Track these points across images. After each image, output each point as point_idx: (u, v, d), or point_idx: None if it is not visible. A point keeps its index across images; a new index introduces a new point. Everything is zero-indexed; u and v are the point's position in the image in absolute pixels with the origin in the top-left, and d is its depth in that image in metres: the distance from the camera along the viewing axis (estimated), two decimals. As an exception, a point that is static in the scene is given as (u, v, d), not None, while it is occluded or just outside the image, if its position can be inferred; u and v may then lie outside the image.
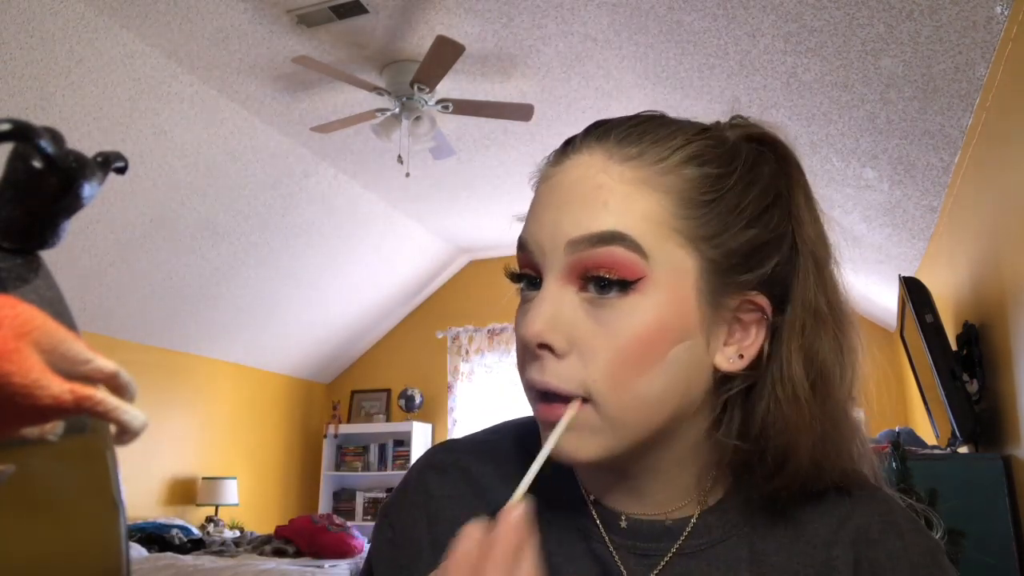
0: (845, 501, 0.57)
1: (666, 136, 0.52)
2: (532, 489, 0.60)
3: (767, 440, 0.53)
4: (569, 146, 0.54)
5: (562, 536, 0.59)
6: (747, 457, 0.55)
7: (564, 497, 0.60)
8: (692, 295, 0.50)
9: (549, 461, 0.58)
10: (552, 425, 0.50)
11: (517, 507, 0.43)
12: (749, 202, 0.52)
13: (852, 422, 0.56)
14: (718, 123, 0.59)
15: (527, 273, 0.54)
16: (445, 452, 0.64)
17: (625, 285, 0.49)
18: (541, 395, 0.51)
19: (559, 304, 0.50)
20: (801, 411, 0.52)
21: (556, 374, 0.50)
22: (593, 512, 0.59)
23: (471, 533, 0.42)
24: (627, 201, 0.50)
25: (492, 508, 0.59)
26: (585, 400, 0.50)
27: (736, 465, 0.57)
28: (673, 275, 0.50)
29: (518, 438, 0.64)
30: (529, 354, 0.51)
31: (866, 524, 0.56)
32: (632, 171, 0.51)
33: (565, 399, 0.50)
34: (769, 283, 0.53)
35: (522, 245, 0.53)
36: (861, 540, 0.55)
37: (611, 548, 0.57)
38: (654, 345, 0.49)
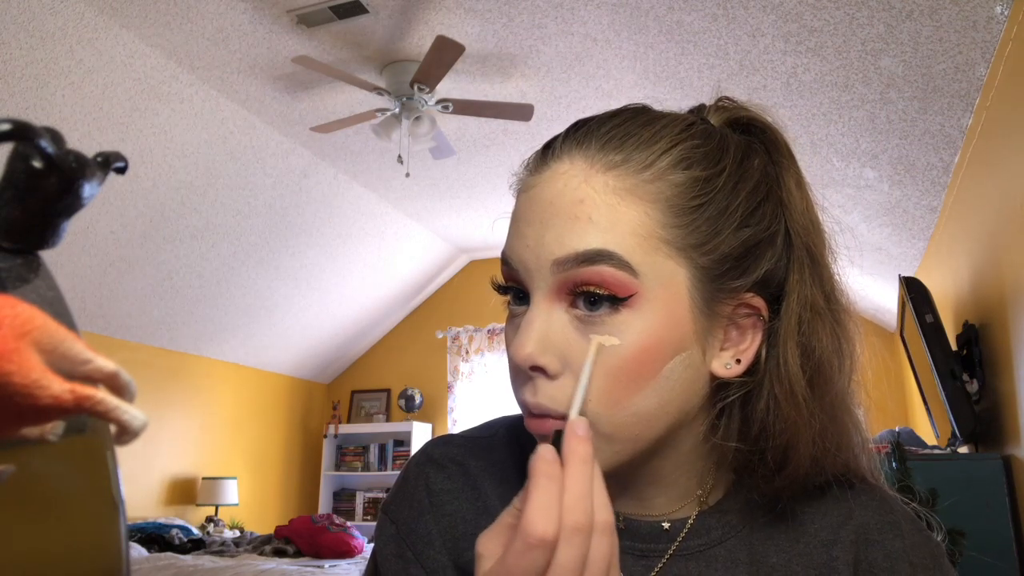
0: (846, 501, 0.57)
1: (650, 138, 0.50)
2: (520, 484, 0.60)
3: (767, 440, 0.52)
4: (549, 151, 0.52)
5: None
6: (747, 457, 0.54)
7: None
8: (685, 306, 0.49)
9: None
10: (545, 438, 0.48)
11: (581, 421, 0.43)
12: (740, 202, 0.51)
13: (852, 415, 0.55)
14: (703, 106, 0.57)
15: (512, 286, 0.52)
16: (443, 447, 0.63)
17: (616, 301, 0.47)
18: (533, 412, 0.50)
19: (548, 324, 0.49)
20: (800, 409, 0.51)
21: (549, 396, 0.49)
22: None
23: (545, 454, 0.42)
24: (612, 214, 0.48)
25: (487, 503, 0.59)
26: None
27: (737, 465, 0.56)
28: (664, 288, 0.48)
29: (511, 434, 0.64)
30: (521, 375, 0.50)
31: (866, 524, 0.56)
32: (616, 180, 0.48)
33: (557, 416, 0.49)
34: (763, 282, 0.52)
35: (505, 260, 0.52)
36: (861, 540, 0.55)
37: None
38: (648, 362, 0.48)
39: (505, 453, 0.62)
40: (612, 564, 0.41)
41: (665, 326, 0.48)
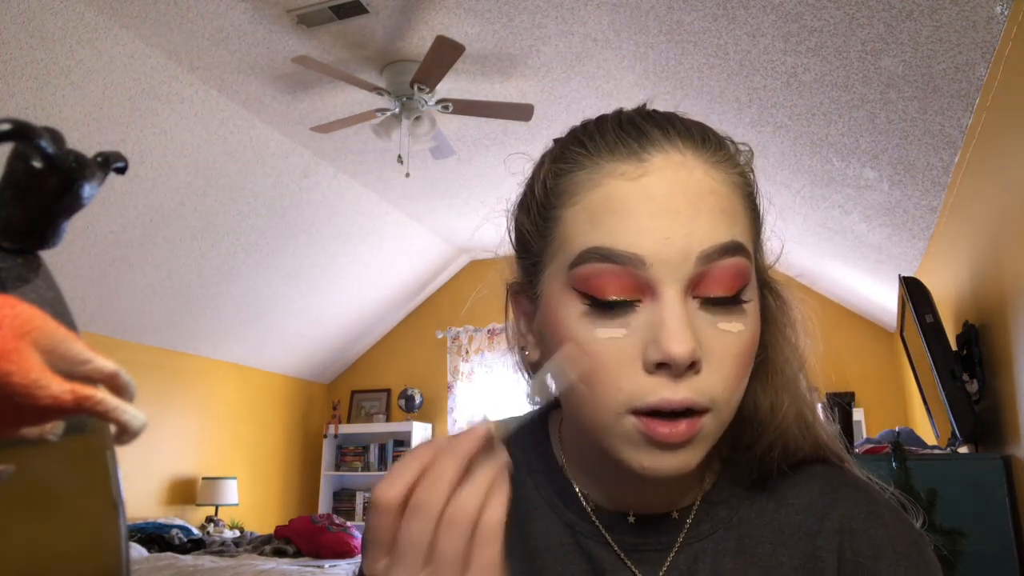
0: (829, 492, 0.58)
1: (724, 139, 0.54)
2: (528, 479, 0.61)
3: (757, 407, 0.56)
4: (645, 140, 0.50)
5: (548, 526, 0.59)
6: (733, 435, 0.56)
7: (554, 492, 0.60)
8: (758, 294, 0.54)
9: (546, 461, 0.61)
10: (673, 445, 0.48)
11: (488, 426, 0.44)
12: (758, 206, 0.56)
13: (809, 395, 0.59)
14: None
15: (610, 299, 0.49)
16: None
17: (737, 291, 0.50)
18: (658, 413, 0.48)
19: (688, 317, 0.48)
20: (788, 376, 0.57)
21: (696, 390, 0.48)
22: (593, 517, 0.59)
23: (430, 438, 0.44)
24: (734, 208, 0.50)
25: None
26: (707, 410, 0.49)
27: (724, 452, 0.59)
28: (754, 278, 0.52)
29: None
30: (666, 373, 0.47)
31: (850, 514, 0.56)
32: (725, 175, 0.51)
33: (688, 413, 0.48)
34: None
35: (615, 257, 0.48)
36: (845, 530, 0.56)
37: (616, 548, 0.58)
38: (755, 346, 0.52)
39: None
40: (471, 565, 0.40)
41: (759, 314, 0.53)
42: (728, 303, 0.49)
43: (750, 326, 0.50)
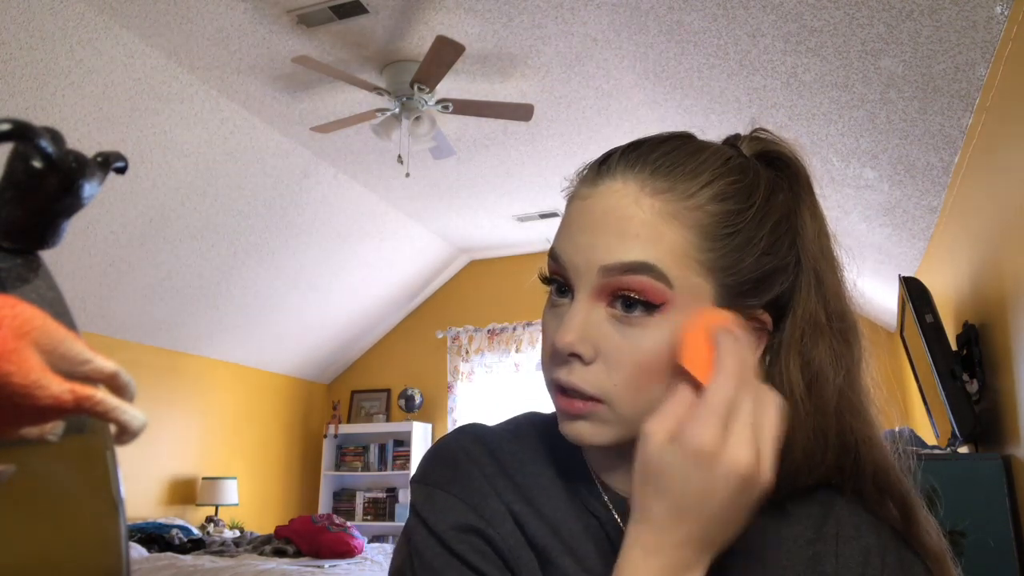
0: (828, 502, 0.61)
1: (694, 169, 0.57)
2: (548, 464, 0.64)
3: None
4: (604, 167, 0.58)
5: (570, 509, 0.62)
6: None
7: (574, 473, 0.64)
8: None
9: (570, 449, 0.64)
10: (570, 415, 0.57)
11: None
12: (763, 235, 0.57)
13: (861, 415, 0.60)
14: (737, 136, 0.63)
15: (557, 279, 0.59)
16: (472, 431, 0.66)
17: (650, 307, 0.54)
18: (563, 389, 0.57)
19: (589, 318, 0.56)
20: (796, 409, 0.57)
21: (582, 378, 0.56)
22: (603, 493, 0.62)
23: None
24: (656, 234, 0.55)
25: (520, 487, 0.62)
26: (601, 401, 0.55)
27: None
28: (692, 300, 0.55)
29: (535, 425, 0.67)
30: (559, 357, 0.57)
31: (845, 520, 0.60)
32: (662, 204, 0.56)
33: (584, 396, 0.56)
34: (773, 302, 0.59)
35: (555, 257, 0.59)
36: (842, 536, 0.60)
37: (621, 522, 0.60)
38: (672, 359, 0.55)
39: (533, 440, 0.66)
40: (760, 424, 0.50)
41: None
42: (633, 315, 0.55)
43: (656, 339, 0.55)
